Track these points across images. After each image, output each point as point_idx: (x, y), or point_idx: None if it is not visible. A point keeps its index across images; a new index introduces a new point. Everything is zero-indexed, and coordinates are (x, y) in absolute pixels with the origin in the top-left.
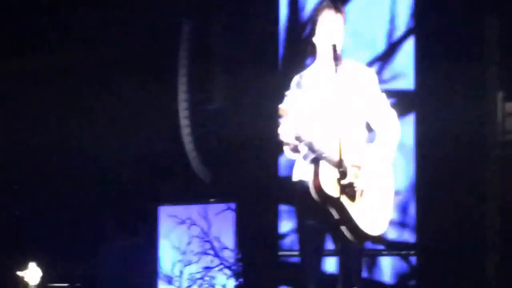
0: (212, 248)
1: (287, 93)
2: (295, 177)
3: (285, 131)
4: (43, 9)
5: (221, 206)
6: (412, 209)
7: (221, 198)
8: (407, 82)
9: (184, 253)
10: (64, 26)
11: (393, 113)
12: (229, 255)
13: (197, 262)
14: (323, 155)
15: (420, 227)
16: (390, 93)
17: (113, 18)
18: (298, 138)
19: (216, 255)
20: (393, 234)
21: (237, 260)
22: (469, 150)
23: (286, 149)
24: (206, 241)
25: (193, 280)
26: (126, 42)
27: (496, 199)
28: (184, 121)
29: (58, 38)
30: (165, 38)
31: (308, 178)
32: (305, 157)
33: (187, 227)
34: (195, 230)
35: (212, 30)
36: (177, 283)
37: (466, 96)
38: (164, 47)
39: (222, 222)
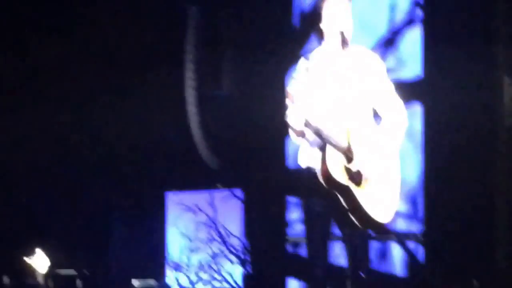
0: (219, 235)
1: (294, 76)
2: (301, 163)
3: (292, 116)
4: None
5: (228, 192)
6: (420, 198)
7: (228, 184)
8: (414, 69)
9: (191, 240)
10: (70, 12)
11: (400, 100)
12: (236, 243)
13: (204, 249)
14: (331, 141)
15: (428, 216)
16: (397, 81)
17: (121, 5)
18: (305, 123)
19: (223, 242)
20: (400, 222)
21: (244, 248)
22: (477, 136)
23: (292, 134)
24: (213, 228)
25: (200, 267)
26: (134, 29)
27: (506, 185)
28: (192, 108)
29: (64, 25)
30: (173, 24)
31: (315, 164)
32: (312, 143)
33: (194, 214)
34: (202, 217)
35: (221, 16)
36: (185, 270)
37: (474, 81)
38: (172, 34)
39: (229, 209)
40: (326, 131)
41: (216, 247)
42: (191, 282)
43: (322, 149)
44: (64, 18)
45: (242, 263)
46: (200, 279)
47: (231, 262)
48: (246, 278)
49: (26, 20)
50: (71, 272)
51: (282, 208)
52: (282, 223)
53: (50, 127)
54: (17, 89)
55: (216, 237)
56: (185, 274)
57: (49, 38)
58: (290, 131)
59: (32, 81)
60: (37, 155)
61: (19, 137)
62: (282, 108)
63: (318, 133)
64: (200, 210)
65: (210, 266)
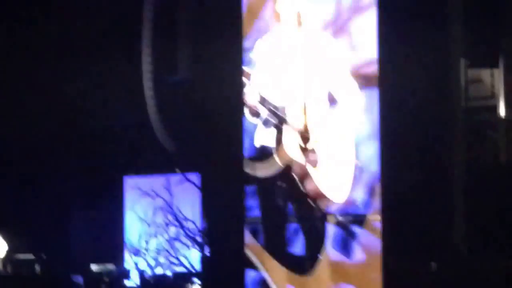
0: (177, 219)
1: (251, 56)
2: (257, 143)
3: (249, 94)
4: None
5: (186, 176)
6: (376, 181)
7: (186, 168)
8: (370, 52)
9: (149, 224)
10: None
11: (355, 82)
12: (193, 226)
13: (162, 233)
14: (286, 120)
15: (385, 199)
16: (352, 63)
17: None
18: (260, 101)
19: (181, 226)
20: (357, 205)
21: (201, 231)
22: (433, 117)
23: (248, 113)
24: (170, 212)
25: (159, 252)
26: (91, 14)
27: (462, 168)
28: (148, 92)
29: (23, 10)
30: (129, 10)
31: (271, 144)
32: (265, 122)
33: (152, 199)
34: (160, 202)
35: (177, 2)
36: (143, 255)
37: (430, 64)
38: (129, 19)
39: (187, 193)
40: (282, 110)
41: (174, 231)
42: (150, 266)
43: (278, 128)
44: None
45: (200, 246)
46: (158, 263)
47: (188, 246)
48: (204, 260)
49: None
50: (29, 256)
51: (239, 191)
52: (240, 205)
53: (6, 113)
54: None
55: (174, 221)
56: (143, 258)
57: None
58: (246, 110)
59: None
60: None
61: None
62: (238, 92)
63: (273, 112)
64: (157, 195)
65: (168, 250)
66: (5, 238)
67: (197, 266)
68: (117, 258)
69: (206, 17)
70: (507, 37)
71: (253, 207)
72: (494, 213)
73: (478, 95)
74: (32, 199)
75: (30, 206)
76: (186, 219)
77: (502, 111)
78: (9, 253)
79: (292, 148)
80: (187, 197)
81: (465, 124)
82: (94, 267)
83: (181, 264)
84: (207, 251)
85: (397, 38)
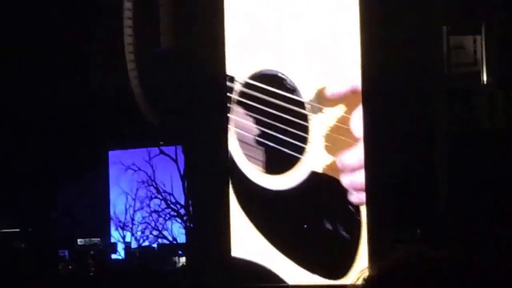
0: (160, 192)
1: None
2: None
3: None
4: None
5: (169, 149)
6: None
7: (169, 141)
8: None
9: (134, 198)
10: None
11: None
12: (176, 199)
13: (146, 207)
14: None
15: (370, 169)
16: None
17: None
18: None
19: (164, 199)
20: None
21: (186, 205)
22: (416, 84)
23: None
24: (154, 185)
25: (143, 225)
26: None
27: (443, 131)
28: (130, 65)
29: None
30: None
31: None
32: None
33: (135, 172)
34: (143, 175)
35: None
36: (128, 228)
37: (412, 31)
38: None
39: (169, 166)
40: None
41: (158, 204)
42: (135, 239)
43: None
44: None
45: (183, 218)
46: (144, 236)
47: (172, 218)
48: (188, 232)
49: None
50: (14, 230)
51: (222, 164)
52: (224, 178)
53: None
54: None
55: (157, 194)
56: (129, 231)
57: None
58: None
59: None
60: None
61: None
62: (221, 62)
63: None
64: (140, 168)
65: (152, 223)
66: None
67: (181, 238)
68: (103, 232)
69: None
70: (490, 4)
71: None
72: (477, 179)
73: (460, 62)
74: (17, 173)
75: (15, 180)
76: (169, 192)
77: (484, 77)
78: None
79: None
80: (170, 169)
81: (448, 91)
82: (80, 240)
83: (165, 237)
84: (190, 223)
85: (379, 5)
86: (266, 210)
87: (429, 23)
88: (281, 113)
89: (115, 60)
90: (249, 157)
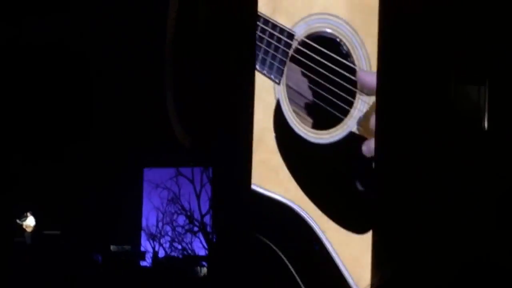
0: (186, 210)
1: None
2: None
3: None
4: None
5: (198, 170)
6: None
7: (199, 162)
8: None
9: (164, 213)
10: None
11: None
12: (202, 217)
13: (174, 223)
14: None
15: (380, 160)
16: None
17: None
18: None
19: (189, 216)
20: None
21: (212, 225)
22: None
23: None
24: (182, 203)
25: (170, 237)
26: (119, 5)
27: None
28: (169, 84)
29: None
30: (155, 2)
31: None
32: None
33: (166, 190)
34: (171, 193)
35: None
36: (157, 239)
37: (419, 77)
38: (155, 13)
39: (196, 185)
40: None
41: (186, 221)
42: (163, 250)
43: None
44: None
45: (208, 234)
46: (171, 247)
47: (197, 233)
48: (211, 247)
49: None
50: (56, 232)
51: (248, 186)
52: (249, 201)
53: (35, 97)
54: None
55: (184, 212)
56: (158, 242)
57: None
58: None
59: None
60: (26, 124)
61: (6, 106)
62: (251, 92)
63: None
64: (169, 188)
65: (179, 237)
66: (35, 215)
67: (205, 251)
68: (134, 241)
69: (224, 17)
70: (495, 55)
71: None
72: None
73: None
74: (62, 181)
75: (60, 188)
76: (194, 209)
77: (486, 125)
78: (38, 228)
79: None
80: (196, 189)
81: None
82: (113, 247)
83: (190, 250)
84: (214, 239)
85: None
86: (304, 160)
87: (436, 70)
88: (333, 75)
89: (153, 82)
90: (296, 113)
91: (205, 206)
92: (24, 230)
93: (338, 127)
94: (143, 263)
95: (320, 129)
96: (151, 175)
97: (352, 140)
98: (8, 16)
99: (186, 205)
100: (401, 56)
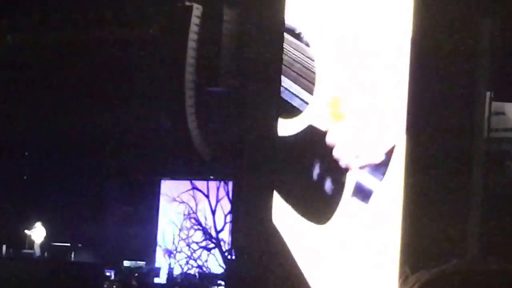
0: (207, 224)
1: None
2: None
3: None
4: None
5: (217, 184)
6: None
7: (220, 176)
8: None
9: (180, 228)
10: (81, 6)
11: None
12: (218, 233)
13: (191, 237)
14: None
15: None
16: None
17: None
18: None
19: (206, 233)
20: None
21: (232, 241)
22: (457, 146)
23: None
24: (200, 218)
25: (187, 254)
26: (138, 22)
27: (480, 193)
28: (189, 101)
29: (76, 15)
30: (176, 20)
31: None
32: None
33: (184, 203)
34: (192, 207)
35: (222, 16)
36: (173, 255)
37: (457, 95)
38: (175, 29)
39: (219, 199)
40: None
41: (203, 236)
42: (179, 266)
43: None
44: (72, 9)
45: (225, 251)
46: (186, 264)
47: (214, 250)
48: (228, 264)
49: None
50: (65, 244)
51: (268, 199)
52: (267, 214)
53: (51, 111)
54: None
55: (204, 226)
56: (173, 259)
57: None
58: None
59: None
60: (39, 136)
61: (21, 121)
62: (274, 105)
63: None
64: (185, 201)
65: (195, 253)
66: (45, 226)
67: (220, 269)
68: (149, 257)
69: (248, 32)
70: None
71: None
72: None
73: (500, 127)
74: (72, 193)
75: (70, 199)
76: (211, 225)
77: None
78: (48, 239)
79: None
80: (219, 203)
81: (487, 154)
82: (126, 262)
83: (205, 267)
84: (231, 255)
85: (426, 70)
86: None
87: (474, 87)
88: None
89: (173, 94)
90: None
91: (220, 222)
92: (33, 242)
93: (297, 119)
94: (157, 280)
95: (284, 117)
96: (166, 188)
97: (312, 133)
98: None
99: (202, 220)
100: (434, 73)
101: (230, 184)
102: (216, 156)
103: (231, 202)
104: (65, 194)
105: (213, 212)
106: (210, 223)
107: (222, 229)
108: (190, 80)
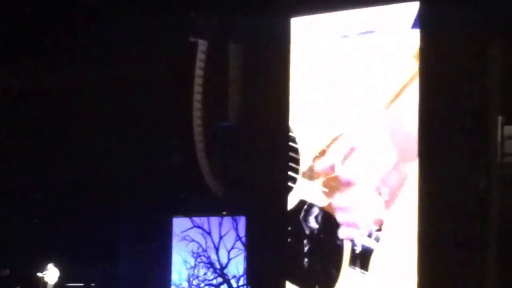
0: (219, 262)
1: None
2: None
3: None
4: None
5: (230, 220)
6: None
7: (232, 212)
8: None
9: (193, 266)
10: (86, 43)
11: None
12: (233, 271)
13: (203, 275)
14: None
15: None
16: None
17: (134, 37)
18: None
19: (222, 271)
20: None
21: (246, 281)
22: (470, 170)
23: None
24: (213, 254)
25: None
26: (145, 58)
27: (495, 216)
28: (198, 137)
29: (81, 54)
30: (182, 56)
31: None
32: None
33: (196, 241)
34: (202, 245)
35: (228, 50)
36: None
37: (469, 120)
38: (181, 65)
39: (232, 236)
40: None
41: (215, 273)
42: None
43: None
44: (80, 47)
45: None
46: None
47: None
48: None
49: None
50: (79, 285)
51: (282, 234)
52: (281, 250)
53: (61, 150)
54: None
55: (215, 264)
56: None
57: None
58: None
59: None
60: (51, 177)
61: (30, 161)
62: (284, 138)
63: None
64: (200, 237)
65: None
66: (57, 267)
67: None
68: None
69: (256, 66)
70: None
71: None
72: None
73: None
74: (85, 233)
75: (83, 240)
76: (225, 262)
77: None
78: (60, 280)
79: None
80: (229, 239)
81: (500, 178)
82: None
83: None
84: None
85: (437, 95)
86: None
87: (485, 112)
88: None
89: (182, 130)
90: None
91: (224, 258)
92: (46, 283)
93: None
94: None
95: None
96: (180, 226)
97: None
98: None
99: (218, 258)
100: (442, 101)
101: (240, 219)
102: (229, 192)
103: (246, 238)
104: (77, 234)
105: (217, 250)
106: (233, 263)
107: (226, 265)
108: (198, 116)
